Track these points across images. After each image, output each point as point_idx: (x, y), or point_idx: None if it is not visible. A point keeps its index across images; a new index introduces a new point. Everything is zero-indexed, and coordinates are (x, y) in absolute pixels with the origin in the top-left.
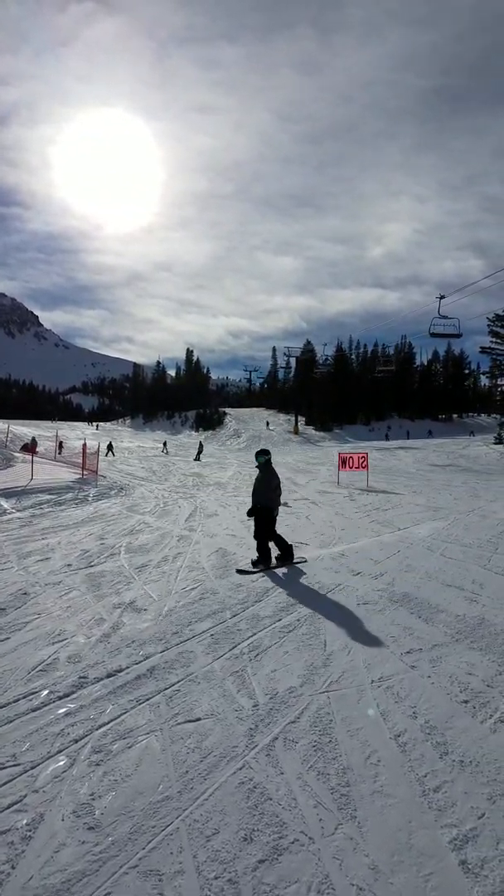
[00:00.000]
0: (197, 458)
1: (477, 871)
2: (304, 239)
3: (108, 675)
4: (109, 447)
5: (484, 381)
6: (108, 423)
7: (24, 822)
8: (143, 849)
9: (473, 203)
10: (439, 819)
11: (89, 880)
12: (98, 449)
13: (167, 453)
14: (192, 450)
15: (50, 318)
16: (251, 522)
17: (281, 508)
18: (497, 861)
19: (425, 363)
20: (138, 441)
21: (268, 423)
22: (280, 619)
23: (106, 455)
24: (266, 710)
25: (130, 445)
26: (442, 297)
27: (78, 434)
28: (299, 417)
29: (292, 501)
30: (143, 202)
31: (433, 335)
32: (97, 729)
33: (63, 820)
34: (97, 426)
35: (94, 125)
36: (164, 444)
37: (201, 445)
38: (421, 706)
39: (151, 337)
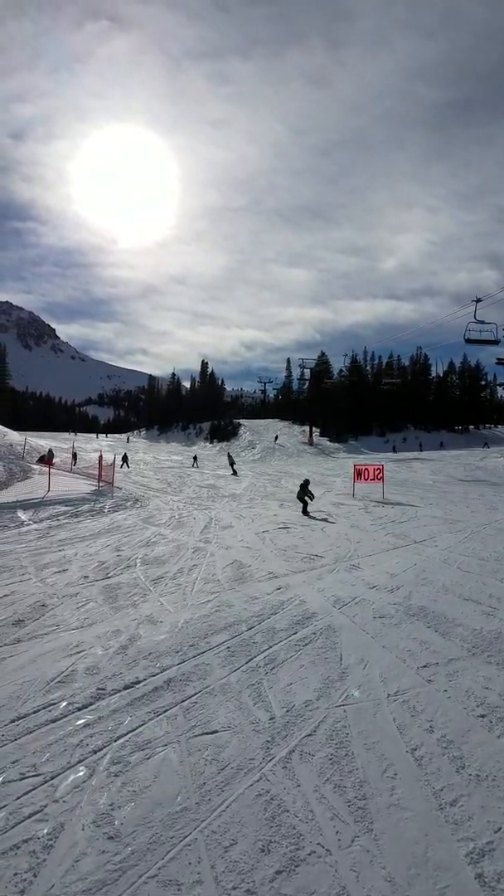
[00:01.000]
0: (234, 473)
1: (493, 884)
2: (317, 251)
3: (126, 687)
4: (124, 459)
5: (501, 392)
6: (125, 435)
7: (46, 831)
8: (162, 859)
9: (487, 213)
10: (456, 833)
11: (109, 889)
12: (114, 461)
13: (198, 468)
14: (210, 463)
15: (66, 332)
16: (266, 534)
17: (297, 521)
18: None
19: (441, 374)
20: (153, 452)
21: (276, 437)
22: (296, 632)
23: (121, 467)
24: (282, 722)
25: (145, 457)
26: (478, 301)
27: (94, 446)
28: (314, 429)
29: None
30: (157, 216)
31: (469, 342)
32: (116, 740)
33: (83, 829)
34: (106, 435)
35: (109, 140)
36: (195, 458)
37: (231, 457)
38: (437, 720)
39: (166, 349)
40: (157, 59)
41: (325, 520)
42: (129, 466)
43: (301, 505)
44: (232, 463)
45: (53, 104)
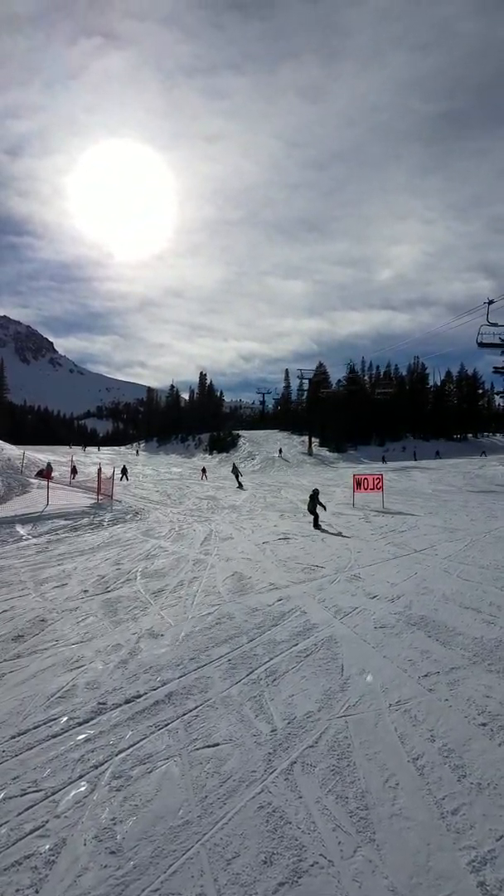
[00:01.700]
0: (240, 486)
1: (496, 892)
2: (313, 263)
3: (127, 701)
4: (124, 471)
5: (499, 400)
6: (124, 448)
7: (47, 846)
8: (165, 872)
9: (481, 224)
10: (458, 841)
11: None
12: (113, 474)
13: (207, 479)
14: (210, 474)
15: (63, 345)
16: (266, 546)
17: (297, 531)
18: None
19: (439, 383)
20: (153, 465)
21: (280, 451)
22: (297, 644)
23: (120, 479)
24: (284, 734)
25: (144, 470)
26: (491, 302)
27: (93, 459)
28: (313, 439)
29: (306, 525)
30: (153, 230)
31: (482, 345)
32: (117, 755)
33: (85, 844)
34: (82, 449)
35: (105, 155)
36: (204, 469)
37: (236, 469)
38: (439, 729)
39: (164, 361)
40: (151, 74)
41: (325, 530)
42: (128, 479)
43: (312, 517)
44: (237, 475)
45: (49, 119)
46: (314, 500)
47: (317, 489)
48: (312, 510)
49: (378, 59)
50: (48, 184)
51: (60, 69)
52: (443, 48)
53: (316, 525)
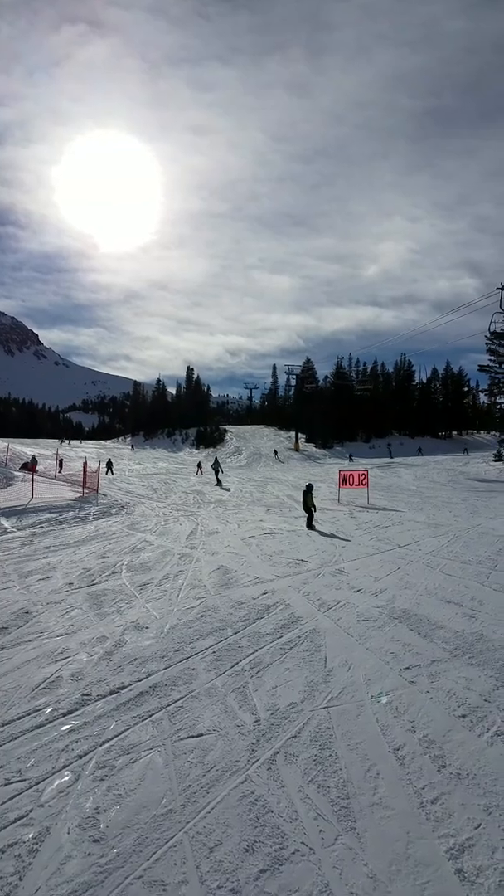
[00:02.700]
0: (218, 483)
1: (473, 879)
2: (299, 258)
3: (111, 693)
4: (109, 465)
5: (483, 398)
6: (110, 441)
7: (31, 835)
8: (148, 860)
9: (466, 223)
10: (437, 829)
11: (95, 891)
12: (98, 468)
13: (202, 474)
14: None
15: (47, 337)
16: (252, 540)
17: (284, 527)
18: (492, 869)
19: (425, 381)
20: (139, 459)
21: (276, 452)
22: (281, 636)
23: (106, 473)
24: (267, 725)
25: (130, 464)
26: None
27: (79, 453)
28: (300, 435)
29: (293, 519)
30: (138, 221)
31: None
32: (101, 745)
33: (69, 833)
34: (68, 442)
35: (89, 145)
36: (199, 464)
37: (217, 465)
38: (419, 720)
39: (149, 355)
40: (137, 64)
41: (312, 527)
42: (112, 473)
43: (305, 516)
44: (217, 471)
45: (31, 108)
46: (308, 497)
47: (310, 484)
48: (307, 508)
49: (364, 55)
50: (31, 173)
51: (43, 57)
52: (429, 45)
53: (309, 524)
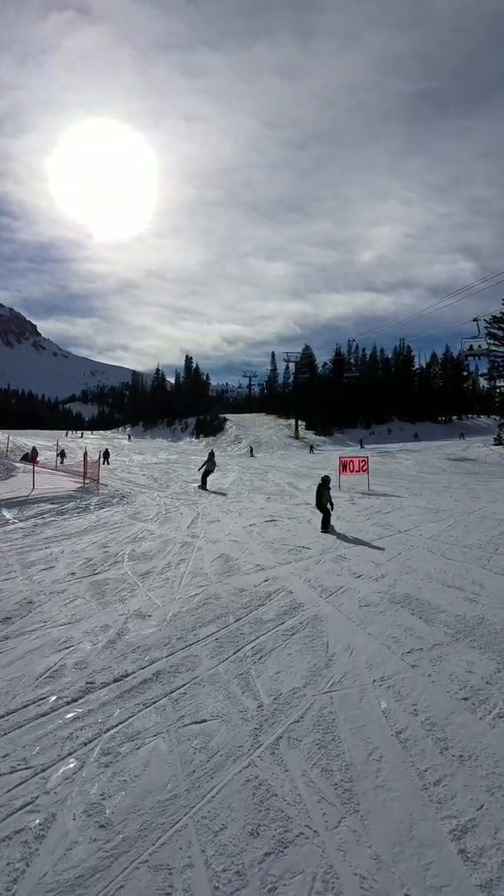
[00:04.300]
0: (202, 485)
1: (475, 859)
2: (295, 244)
3: (115, 680)
4: (105, 455)
5: (483, 382)
6: (110, 432)
7: (37, 822)
8: (154, 844)
9: (461, 205)
10: (440, 811)
11: (102, 875)
12: (98, 458)
13: (217, 466)
14: (199, 459)
15: (44, 328)
16: (253, 528)
17: (284, 514)
18: (495, 849)
19: (424, 366)
20: (138, 450)
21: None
22: (283, 623)
23: (103, 464)
24: (270, 710)
25: (130, 455)
26: None
27: (79, 444)
28: (300, 422)
29: (293, 507)
30: (132, 210)
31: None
32: (105, 732)
33: (74, 819)
34: (80, 434)
35: (81, 134)
36: (212, 453)
37: (210, 459)
38: (422, 704)
39: (147, 344)
40: (127, 51)
41: (314, 512)
42: (108, 463)
43: (321, 517)
44: (206, 470)
45: (22, 97)
46: (324, 492)
47: (327, 477)
48: (322, 506)
49: (354, 37)
50: (23, 163)
51: (32, 45)
52: (420, 27)
53: (325, 527)
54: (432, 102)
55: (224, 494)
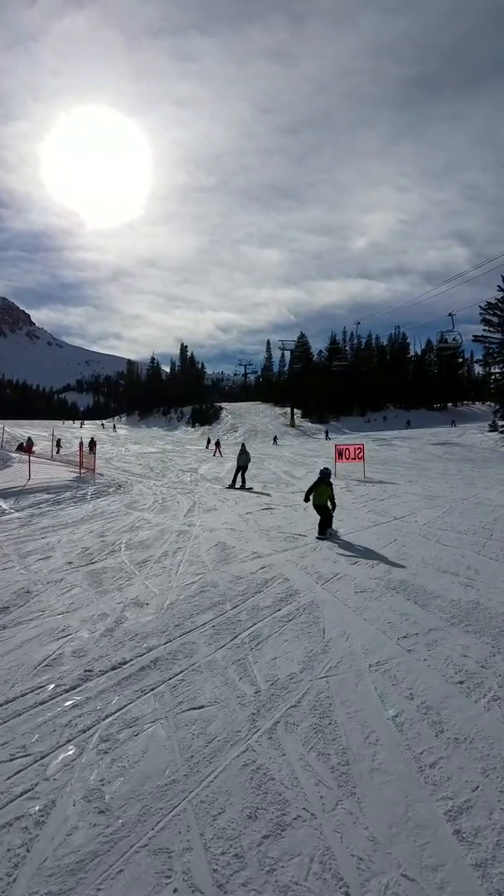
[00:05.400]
0: (233, 485)
1: (471, 839)
2: (288, 231)
3: (113, 668)
4: (91, 445)
5: (478, 369)
6: (105, 421)
7: (37, 808)
8: (153, 829)
9: (455, 191)
10: (435, 793)
11: (102, 859)
12: (81, 446)
13: (221, 455)
14: (193, 447)
15: (37, 317)
16: (249, 516)
17: (280, 501)
18: (490, 830)
19: (419, 353)
20: (134, 440)
21: (275, 439)
22: (280, 609)
23: (88, 453)
24: (267, 695)
25: (126, 444)
26: None
27: (75, 434)
28: (295, 410)
29: (290, 494)
30: (124, 197)
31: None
32: (104, 719)
33: (74, 805)
34: (80, 424)
35: (71, 120)
36: (218, 443)
37: (244, 448)
38: (417, 688)
39: (140, 333)
40: (116, 36)
41: (328, 535)
42: (94, 452)
43: (318, 519)
44: (239, 466)
45: (10, 83)
46: (324, 490)
47: (327, 470)
48: (322, 506)
49: (347, 21)
50: (13, 150)
51: (19, 30)
52: (413, 11)
53: (323, 531)
54: (426, 87)
55: (220, 483)
